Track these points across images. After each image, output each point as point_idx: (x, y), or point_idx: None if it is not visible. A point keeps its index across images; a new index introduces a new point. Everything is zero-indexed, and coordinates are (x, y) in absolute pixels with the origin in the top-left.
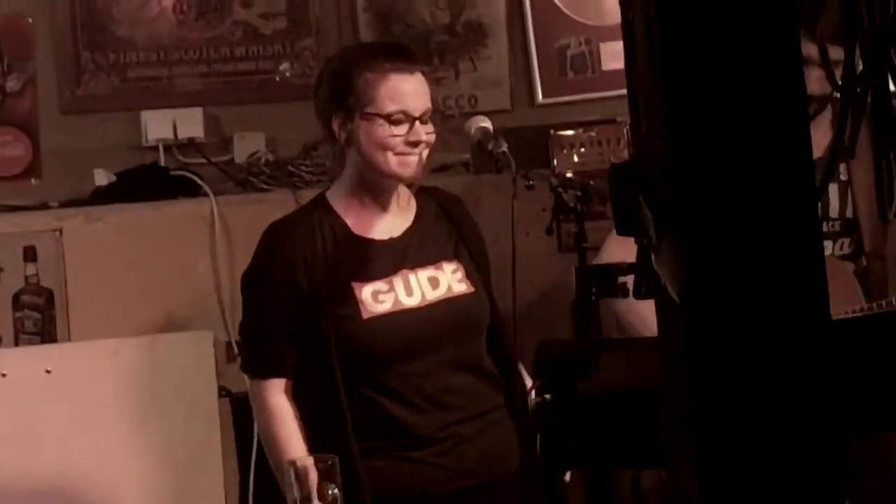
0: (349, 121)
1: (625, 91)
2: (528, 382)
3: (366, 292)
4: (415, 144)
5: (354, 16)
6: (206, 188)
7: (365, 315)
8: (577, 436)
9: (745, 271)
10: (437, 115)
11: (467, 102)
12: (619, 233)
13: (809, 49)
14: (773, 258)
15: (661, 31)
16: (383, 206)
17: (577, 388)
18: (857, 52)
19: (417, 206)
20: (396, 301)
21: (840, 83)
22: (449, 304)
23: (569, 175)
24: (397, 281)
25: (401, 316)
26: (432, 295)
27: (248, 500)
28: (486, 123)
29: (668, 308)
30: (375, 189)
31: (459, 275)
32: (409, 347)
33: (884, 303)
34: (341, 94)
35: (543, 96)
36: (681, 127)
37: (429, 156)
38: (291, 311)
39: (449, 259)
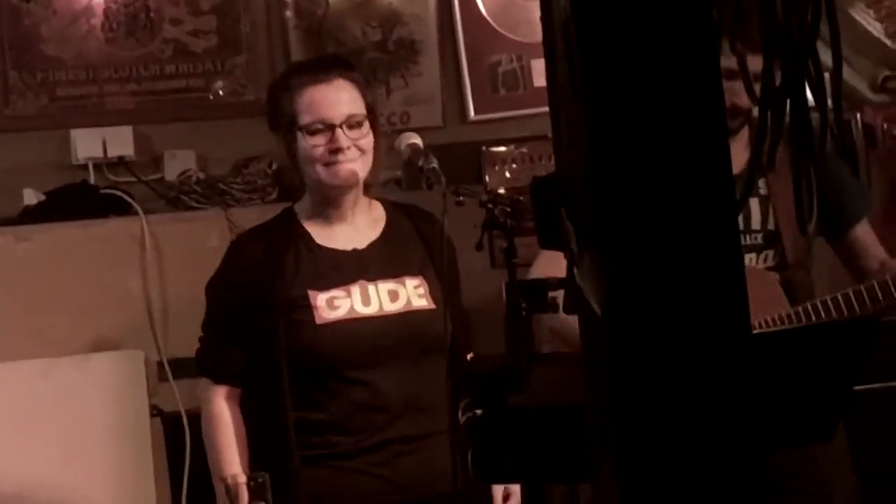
0: (286, 139)
1: None
2: None
3: (321, 299)
4: (337, 151)
5: (285, 33)
6: (137, 207)
7: (318, 320)
8: (510, 451)
9: (666, 285)
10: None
11: (399, 119)
12: (542, 246)
13: (734, 62)
14: (694, 272)
15: (580, 47)
16: (344, 218)
17: (509, 404)
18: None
19: (387, 219)
20: (351, 309)
21: (758, 96)
22: (406, 318)
23: (500, 191)
24: (354, 290)
25: (354, 324)
26: (390, 307)
27: None
28: (416, 140)
29: (591, 322)
30: (332, 201)
31: (422, 290)
32: (360, 355)
33: (808, 305)
34: (274, 115)
35: (475, 113)
36: (600, 141)
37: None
38: (247, 319)
39: (413, 274)
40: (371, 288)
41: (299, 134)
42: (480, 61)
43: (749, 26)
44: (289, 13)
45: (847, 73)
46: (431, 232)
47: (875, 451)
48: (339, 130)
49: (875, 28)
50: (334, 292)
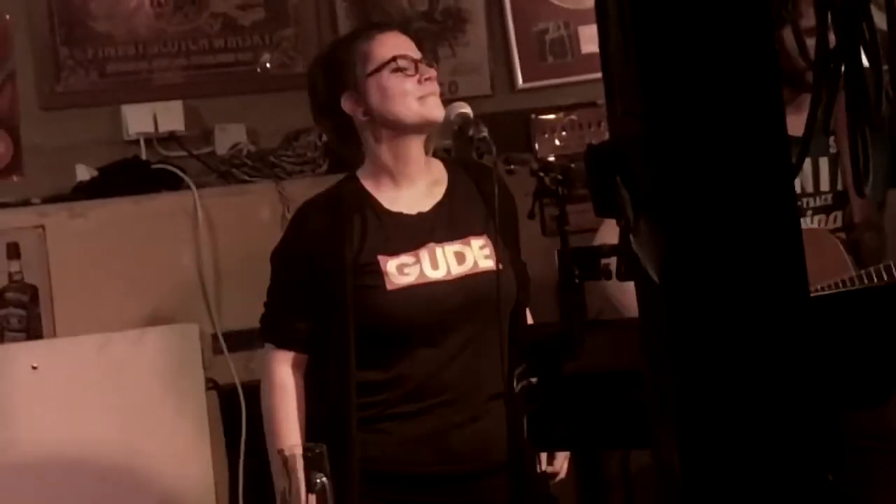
0: (359, 92)
1: None
2: None
3: (391, 265)
4: (428, 81)
5: (333, 5)
6: (189, 181)
7: (389, 286)
8: (564, 419)
9: (723, 250)
10: None
11: (447, 89)
12: (598, 214)
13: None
14: (751, 237)
15: (633, 12)
16: (411, 180)
17: (563, 371)
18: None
19: (448, 178)
20: (421, 273)
21: (813, 59)
22: (474, 280)
23: (550, 159)
24: (423, 254)
25: (425, 288)
26: (458, 269)
27: (238, 492)
28: (466, 109)
29: (648, 289)
30: (401, 162)
31: (487, 251)
32: (430, 319)
33: (871, 270)
34: (342, 71)
35: (523, 81)
36: (655, 107)
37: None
38: (315, 287)
39: (477, 234)
40: (439, 251)
41: (382, 75)
42: (527, 29)
43: None
44: None
45: None
46: (491, 187)
47: None
48: (422, 64)
49: None
50: (404, 258)
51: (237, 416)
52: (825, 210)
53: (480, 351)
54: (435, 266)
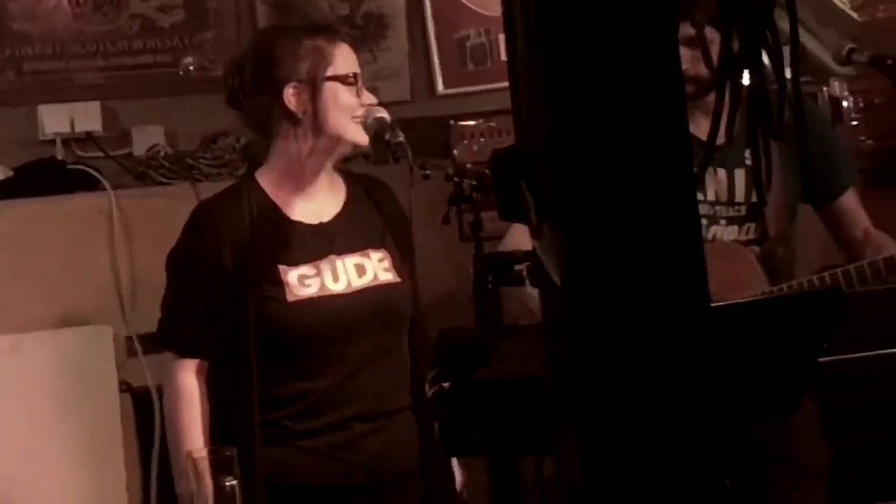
0: (309, 90)
1: None
2: None
3: (292, 276)
4: (364, 107)
5: (253, 7)
6: (105, 182)
7: (290, 298)
8: (477, 425)
9: (625, 256)
10: None
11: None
12: (502, 218)
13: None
14: (653, 242)
15: (539, 18)
16: (315, 189)
17: (476, 377)
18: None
19: (347, 190)
20: (322, 286)
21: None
22: (374, 293)
23: (468, 165)
24: (324, 266)
25: (325, 301)
26: (358, 282)
27: (150, 494)
28: (383, 114)
29: (551, 293)
30: (310, 170)
31: (386, 263)
32: (330, 333)
33: (784, 286)
34: (289, 62)
35: (444, 87)
36: (559, 113)
37: None
38: (213, 291)
39: (376, 247)
40: (339, 263)
41: (338, 85)
42: (449, 35)
43: None
44: None
45: (814, 46)
46: (387, 201)
47: (844, 420)
48: (363, 88)
49: (841, 0)
50: (304, 269)
51: (150, 418)
52: (739, 221)
53: (383, 363)
54: (336, 279)
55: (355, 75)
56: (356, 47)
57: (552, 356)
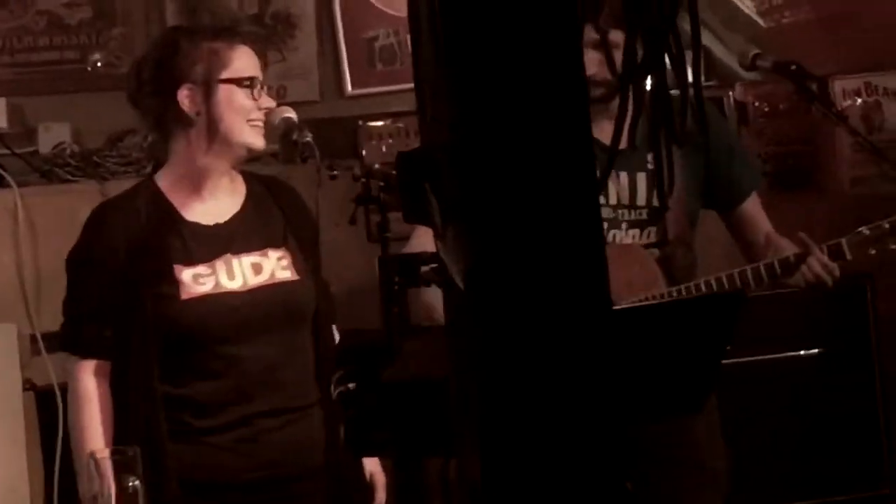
0: (203, 92)
1: None
2: None
3: (186, 274)
4: (262, 111)
5: (161, 5)
6: (10, 180)
7: (184, 296)
8: (382, 425)
9: (527, 259)
10: None
11: (276, 93)
12: (406, 220)
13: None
14: (555, 246)
15: (445, 20)
16: (212, 190)
17: (381, 377)
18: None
19: (247, 191)
20: (217, 284)
21: (619, 71)
22: (271, 290)
23: (376, 166)
24: (220, 265)
25: (220, 298)
26: (254, 280)
27: (53, 493)
28: (291, 114)
29: (454, 295)
30: (206, 171)
31: (285, 262)
32: (226, 330)
33: (682, 288)
34: (185, 64)
35: (352, 87)
36: (464, 115)
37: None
38: (111, 292)
39: (276, 246)
40: (235, 262)
41: (233, 88)
42: (357, 36)
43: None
44: None
45: (721, 51)
46: (290, 203)
47: (744, 422)
48: (264, 92)
49: (747, 6)
50: (199, 268)
51: (54, 418)
52: (640, 225)
53: (286, 359)
54: (231, 277)
55: (252, 79)
56: (260, 50)
57: (455, 358)
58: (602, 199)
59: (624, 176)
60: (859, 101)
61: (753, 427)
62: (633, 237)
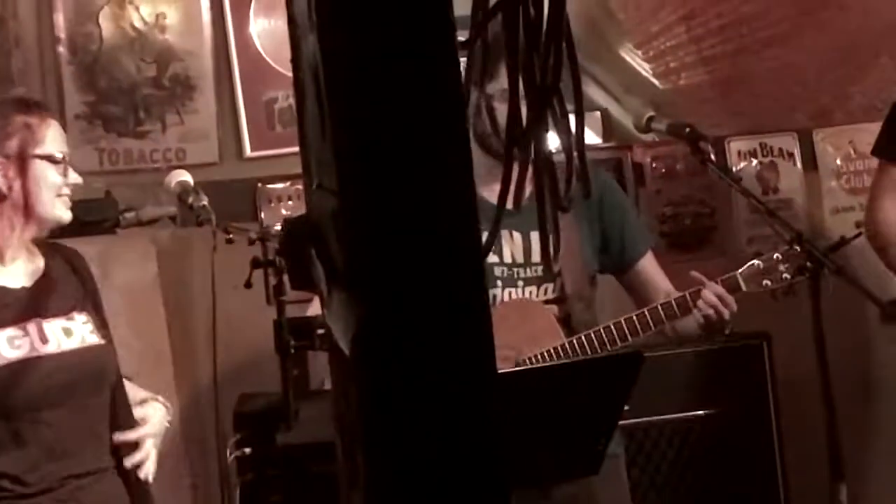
0: (11, 165)
1: None
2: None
3: (0, 338)
4: (68, 186)
5: (59, 69)
6: None
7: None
8: (278, 488)
9: (412, 325)
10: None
11: (175, 156)
12: (293, 287)
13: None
14: (441, 313)
15: (329, 89)
16: (13, 257)
17: (277, 441)
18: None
19: (45, 258)
20: (32, 347)
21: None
22: (83, 354)
23: (276, 228)
24: (31, 327)
25: (36, 362)
26: (67, 344)
27: None
28: (186, 177)
29: (340, 361)
30: (13, 243)
31: (90, 326)
32: (42, 394)
33: (582, 336)
34: (2, 136)
35: (251, 149)
36: (349, 181)
37: None
38: None
39: (80, 310)
40: (46, 325)
41: (41, 164)
42: (257, 98)
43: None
44: (62, 49)
45: (619, 113)
46: (82, 268)
47: (646, 483)
48: (69, 166)
49: (644, 68)
50: (11, 331)
51: None
52: (536, 282)
53: (92, 421)
54: (45, 340)
55: (64, 155)
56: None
57: (340, 424)
58: (496, 258)
59: (517, 235)
60: (755, 161)
61: (654, 487)
62: (530, 294)
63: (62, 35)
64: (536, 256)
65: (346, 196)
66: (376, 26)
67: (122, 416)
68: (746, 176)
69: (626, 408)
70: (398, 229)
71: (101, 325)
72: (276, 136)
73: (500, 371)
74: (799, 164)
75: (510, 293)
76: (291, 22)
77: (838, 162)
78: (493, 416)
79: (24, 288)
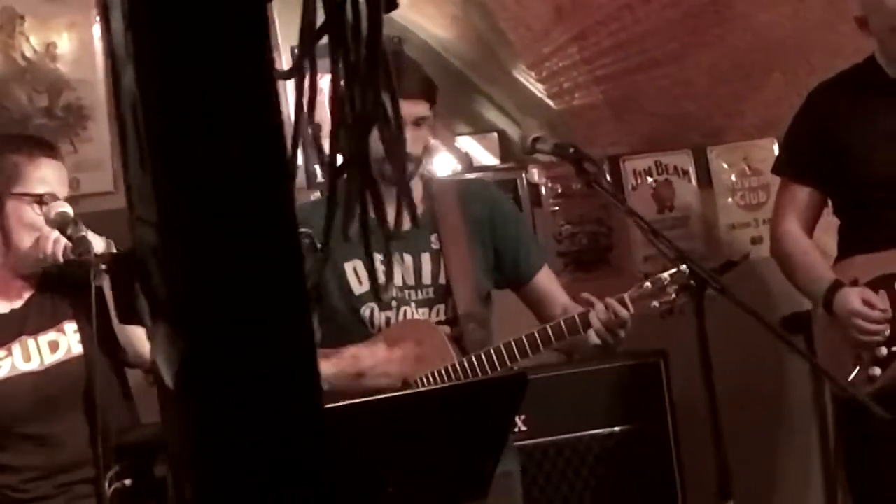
0: None
1: None
2: None
3: None
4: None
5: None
6: None
7: None
8: None
9: (234, 360)
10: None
11: (69, 185)
12: (120, 321)
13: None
14: (263, 347)
15: (146, 122)
16: (5, 285)
17: (156, 473)
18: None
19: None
20: (13, 367)
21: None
22: (66, 367)
23: None
24: (15, 347)
25: (16, 381)
26: (51, 359)
27: None
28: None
29: (166, 395)
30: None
31: (80, 336)
32: (25, 411)
33: (472, 357)
34: None
35: None
36: (168, 216)
37: None
38: None
39: (70, 318)
40: (31, 342)
41: (24, 202)
42: None
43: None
44: None
45: (516, 134)
46: (82, 276)
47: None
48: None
49: (538, 89)
50: None
51: None
52: (428, 303)
53: (78, 433)
54: (27, 358)
55: (46, 195)
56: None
57: (171, 458)
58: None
59: (408, 258)
60: (650, 179)
61: None
62: (423, 315)
63: None
64: (427, 278)
65: (165, 229)
66: (193, 58)
67: (110, 419)
68: (642, 193)
69: (523, 428)
70: (218, 263)
71: (97, 330)
72: None
73: (380, 396)
74: (694, 182)
75: (405, 311)
76: (111, 55)
77: (733, 178)
78: (320, 449)
79: (12, 310)
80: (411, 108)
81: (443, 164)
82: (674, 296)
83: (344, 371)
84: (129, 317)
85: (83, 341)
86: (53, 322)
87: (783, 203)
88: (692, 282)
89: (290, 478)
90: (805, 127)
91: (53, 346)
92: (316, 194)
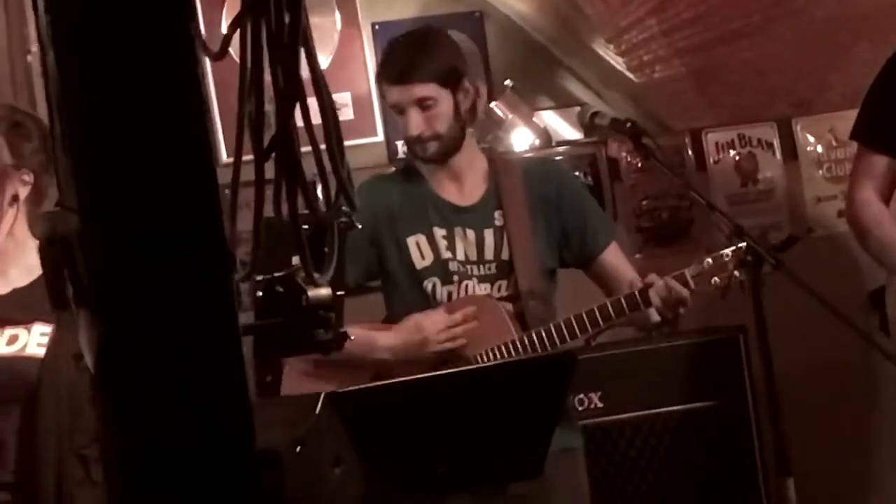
0: None
1: None
2: None
3: None
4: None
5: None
6: None
7: None
8: None
9: (155, 343)
10: None
11: None
12: (52, 307)
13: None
14: (185, 330)
15: (67, 107)
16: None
17: None
18: None
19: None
20: None
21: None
22: (10, 362)
23: None
24: None
25: None
26: (4, 350)
27: None
28: None
29: (93, 381)
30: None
31: (46, 339)
32: None
33: (532, 333)
34: None
35: None
36: (89, 201)
37: None
38: None
39: (45, 321)
40: None
41: None
42: None
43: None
44: None
45: (600, 107)
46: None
47: (624, 478)
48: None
49: (618, 63)
50: None
51: None
52: (490, 279)
53: (6, 432)
54: None
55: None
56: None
57: (102, 442)
58: (450, 255)
59: (471, 233)
60: (733, 153)
61: (634, 483)
62: (485, 290)
63: None
64: (489, 254)
65: (86, 214)
66: (112, 41)
67: (41, 432)
68: (725, 167)
69: (600, 405)
70: (140, 247)
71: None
72: None
73: (426, 374)
74: (779, 155)
75: (467, 285)
76: (39, 41)
77: (819, 150)
78: (243, 436)
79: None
80: (407, 92)
81: (520, 140)
82: (736, 273)
83: (408, 340)
84: (59, 302)
85: (48, 346)
86: (27, 319)
87: (859, 170)
88: (748, 257)
89: (211, 462)
90: (882, 93)
91: (12, 340)
92: (390, 169)
